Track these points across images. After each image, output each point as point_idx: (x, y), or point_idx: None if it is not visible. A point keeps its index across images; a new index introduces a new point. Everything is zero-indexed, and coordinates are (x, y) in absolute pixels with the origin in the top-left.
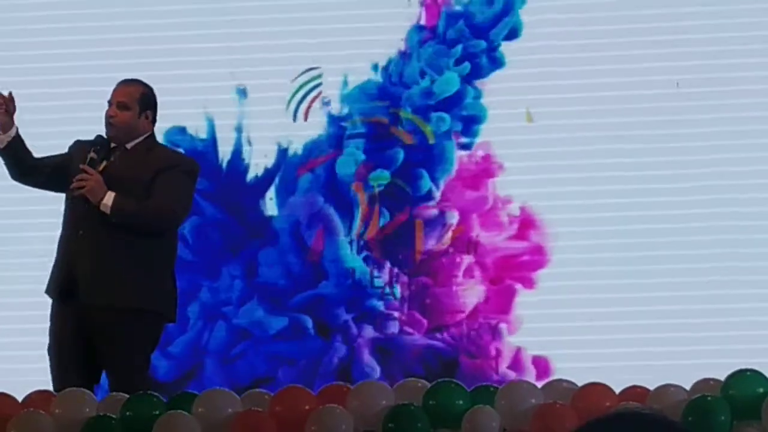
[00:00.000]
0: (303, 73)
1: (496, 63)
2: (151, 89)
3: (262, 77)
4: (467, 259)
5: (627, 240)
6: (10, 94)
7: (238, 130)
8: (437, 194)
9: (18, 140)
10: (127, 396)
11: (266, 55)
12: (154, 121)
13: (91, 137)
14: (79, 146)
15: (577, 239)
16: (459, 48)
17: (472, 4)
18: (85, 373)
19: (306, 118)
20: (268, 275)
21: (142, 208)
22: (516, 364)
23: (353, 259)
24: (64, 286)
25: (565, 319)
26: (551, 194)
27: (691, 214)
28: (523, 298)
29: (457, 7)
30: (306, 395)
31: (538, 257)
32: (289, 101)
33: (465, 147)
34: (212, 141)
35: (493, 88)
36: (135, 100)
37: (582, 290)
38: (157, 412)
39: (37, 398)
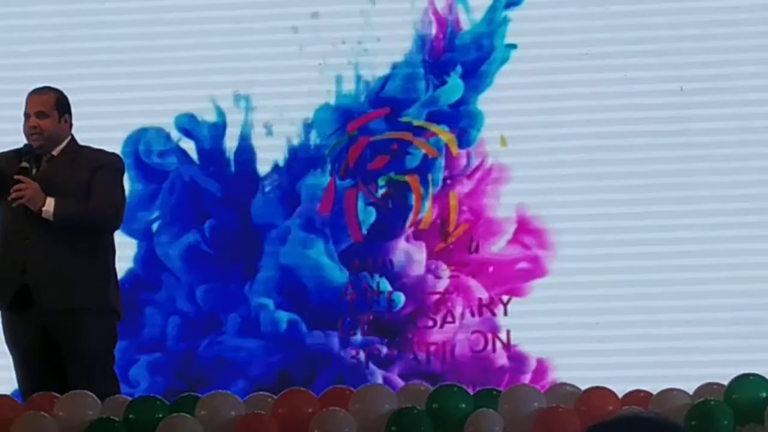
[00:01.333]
0: None
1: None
2: (62, 93)
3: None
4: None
5: (630, 245)
6: None
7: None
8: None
9: None
10: (129, 398)
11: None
12: (71, 124)
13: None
14: (4, 157)
15: (579, 245)
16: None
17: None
18: (56, 377)
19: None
20: None
21: (84, 209)
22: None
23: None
24: (17, 295)
25: (567, 326)
26: (553, 199)
27: (694, 214)
28: (521, 305)
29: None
30: (309, 398)
31: (538, 265)
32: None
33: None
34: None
35: (495, 94)
36: (52, 107)
37: (583, 298)
38: (161, 415)
39: (40, 400)
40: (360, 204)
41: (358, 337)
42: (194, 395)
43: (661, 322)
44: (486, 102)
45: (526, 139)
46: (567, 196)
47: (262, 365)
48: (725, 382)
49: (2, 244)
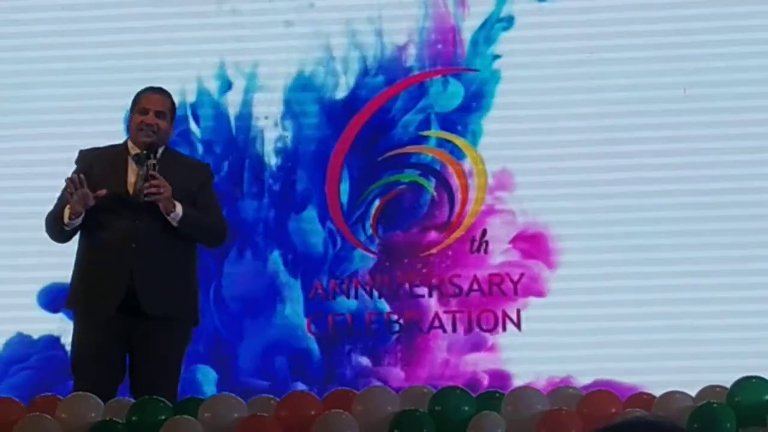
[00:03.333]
0: None
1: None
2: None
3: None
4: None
5: (633, 245)
6: (80, 177)
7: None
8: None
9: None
10: (132, 401)
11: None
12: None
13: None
14: (95, 153)
15: (581, 251)
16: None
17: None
18: (119, 381)
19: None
20: None
21: (205, 220)
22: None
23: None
24: (123, 299)
25: (569, 331)
26: (555, 201)
27: (697, 218)
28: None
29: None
30: (311, 400)
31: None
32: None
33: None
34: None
35: (497, 96)
36: (169, 110)
37: (589, 303)
38: (163, 417)
39: (43, 402)
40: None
41: None
42: (197, 397)
43: (664, 326)
44: (486, 109)
45: (527, 144)
46: (568, 202)
47: None
48: (728, 385)
49: (103, 245)
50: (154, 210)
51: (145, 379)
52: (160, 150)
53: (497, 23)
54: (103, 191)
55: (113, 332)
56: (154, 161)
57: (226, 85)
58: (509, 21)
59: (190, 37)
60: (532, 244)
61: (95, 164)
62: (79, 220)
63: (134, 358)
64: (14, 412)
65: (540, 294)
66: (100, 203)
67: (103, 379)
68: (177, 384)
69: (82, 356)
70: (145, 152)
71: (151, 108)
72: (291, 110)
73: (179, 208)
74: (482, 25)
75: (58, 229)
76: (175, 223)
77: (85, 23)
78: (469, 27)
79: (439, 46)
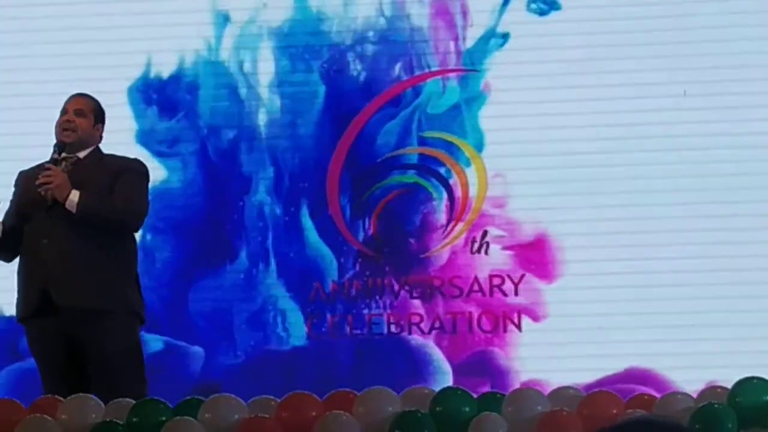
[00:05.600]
0: None
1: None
2: (101, 105)
3: None
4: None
5: (633, 248)
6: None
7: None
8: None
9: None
10: (133, 402)
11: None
12: (101, 138)
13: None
14: (25, 174)
15: (584, 249)
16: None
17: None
18: (75, 381)
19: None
20: None
21: (107, 204)
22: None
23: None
24: (39, 298)
25: (571, 331)
26: (555, 202)
27: (698, 216)
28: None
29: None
30: (312, 401)
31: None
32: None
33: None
34: None
35: (494, 98)
36: (90, 110)
37: (587, 303)
38: (164, 418)
39: (43, 403)
40: None
41: None
42: (198, 398)
43: (665, 325)
44: (485, 110)
45: (527, 147)
46: (569, 203)
47: None
48: (729, 386)
49: (22, 254)
50: (64, 207)
51: (92, 379)
52: (85, 152)
53: (497, 28)
54: None
55: (45, 336)
56: (56, 155)
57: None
58: (509, 31)
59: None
60: (533, 244)
61: (25, 181)
62: None
63: (79, 360)
64: (15, 413)
65: (542, 294)
66: (22, 216)
67: (57, 386)
68: (130, 382)
69: (38, 363)
70: (53, 150)
71: (70, 108)
72: (291, 111)
73: (74, 195)
74: (482, 35)
75: None
76: (72, 210)
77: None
78: (470, 33)
79: (440, 48)
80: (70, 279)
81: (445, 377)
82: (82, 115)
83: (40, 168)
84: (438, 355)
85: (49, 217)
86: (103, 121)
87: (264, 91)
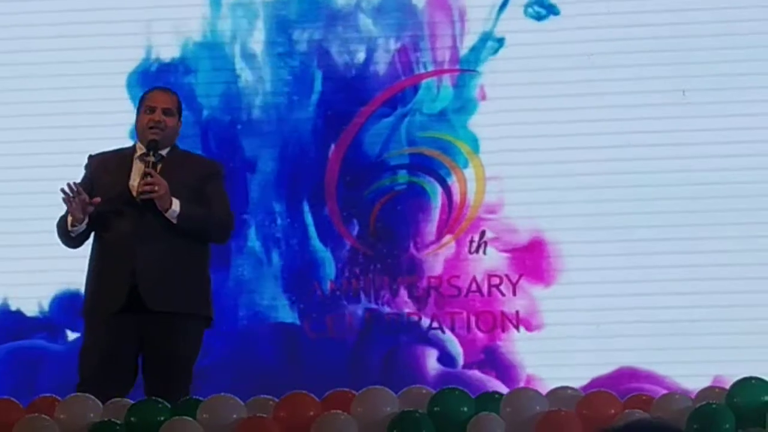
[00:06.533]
0: None
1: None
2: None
3: None
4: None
5: (634, 247)
6: (78, 186)
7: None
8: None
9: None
10: (131, 401)
11: None
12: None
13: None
14: (101, 158)
15: (582, 251)
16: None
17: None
18: (130, 383)
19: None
20: None
21: (207, 215)
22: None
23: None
24: (127, 297)
25: (569, 329)
26: (555, 202)
27: (698, 219)
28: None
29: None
30: (310, 401)
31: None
32: None
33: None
34: None
35: (492, 98)
36: (176, 107)
37: (585, 301)
38: (162, 418)
39: (42, 403)
40: None
41: None
42: (196, 398)
43: (664, 327)
44: (481, 113)
45: (526, 148)
46: (569, 203)
47: None
48: (727, 386)
49: (107, 246)
50: (157, 208)
51: (154, 380)
52: (167, 150)
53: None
54: (98, 199)
55: (122, 333)
56: (153, 159)
57: None
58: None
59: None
60: (531, 244)
61: (101, 167)
62: (83, 226)
63: (144, 359)
64: (13, 413)
65: (538, 295)
66: (107, 206)
67: (110, 381)
68: (188, 384)
69: (90, 359)
70: (145, 151)
71: (158, 106)
72: (290, 114)
73: (176, 205)
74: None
75: (65, 236)
76: (173, 220)
77: None
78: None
79: (439, 49)
80: (162, 281)
81: (443, 377)
82: (171, 114)
83: (119, 156)
84: (436, 355)
85: (142, 216)
86: (181, 115)
87: (258, 86)
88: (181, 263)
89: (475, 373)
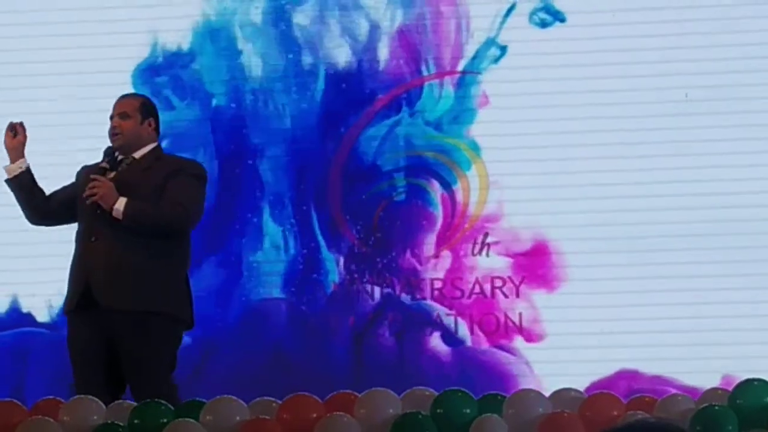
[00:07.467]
0: None
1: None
2: (148, 98)
3: None
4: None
5: (636, 249)
6: (22, 123)
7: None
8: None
9: (28, 174)
10: (135, 403)
11: None
12: (157, 130)
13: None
14: (85, 170)
15: (584, 252)
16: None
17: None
18: (111, 382)
19: None
20: None
21: (155, 210)
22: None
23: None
24: (82, 294)
25: (573, 332)
26: (555, 203)
27: (698, 220)
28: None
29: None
30: (313, 403)
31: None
32: None
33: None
34: None
35: (492, 99)
36: (135, 109)
37: (588, 305)
38: (165, 420)
39: (45, 405)
40: None
41: None
42: (199, 400)
43: (670, 326)
44: (483, 110)
45: (525, 148)
46: (570, 205)
47: None
48: (730, 388)
49: (74, 250)
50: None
51: (129, 380)
52: (143, 151)
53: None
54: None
55: (83, 331)
56: (105, 164)
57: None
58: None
59: None
60: (534, 247)
61: (83, 178)
62: (16, 172)
63: (119, 358)
64: (17, 415)
65: (543, 295)
66: (79, 215)
67: (89, 376)
68: (161, 384)
69: (73, 357)
70: (107, 158)
71: (114, 112)
72: (290, 112)
73: (120, 204)
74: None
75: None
76: (119, 217)
77: None
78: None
79: (441, 51)
80: (111, 280)
81: (447, 379)
82: (126, 117)
83: (95, 166)
84: (440, 357)
85: (99, 218)
86: (153, 115)
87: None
88: (137, 263)
89: (476, 374)
